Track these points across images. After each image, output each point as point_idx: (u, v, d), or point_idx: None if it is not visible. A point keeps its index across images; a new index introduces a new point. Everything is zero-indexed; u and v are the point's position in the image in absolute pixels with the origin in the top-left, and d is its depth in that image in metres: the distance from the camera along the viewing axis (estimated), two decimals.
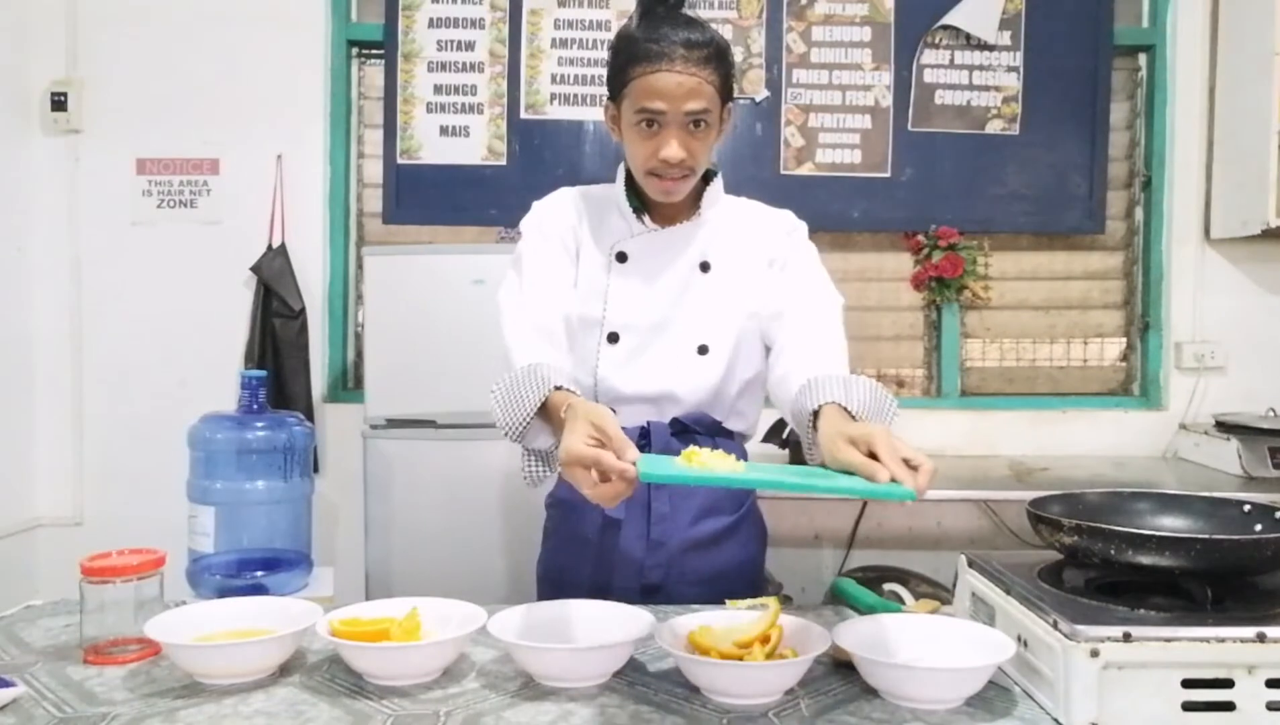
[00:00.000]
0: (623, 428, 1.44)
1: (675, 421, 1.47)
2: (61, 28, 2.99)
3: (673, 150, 1.37)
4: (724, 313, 1.48)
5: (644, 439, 1.45)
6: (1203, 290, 3.12)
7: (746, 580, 1.52)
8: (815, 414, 1.24)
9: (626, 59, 1.39)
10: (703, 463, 1.10)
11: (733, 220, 1.53)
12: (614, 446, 1.09)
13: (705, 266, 1.49)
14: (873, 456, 1.09)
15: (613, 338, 1.47)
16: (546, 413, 1.25)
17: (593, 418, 1.12)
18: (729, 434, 1.53)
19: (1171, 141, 3.13)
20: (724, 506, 1.50)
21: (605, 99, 1.47)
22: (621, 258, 1.48)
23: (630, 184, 1.49)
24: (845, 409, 1.22)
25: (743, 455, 1.56)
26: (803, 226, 1.54)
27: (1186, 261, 3.12)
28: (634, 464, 1.07)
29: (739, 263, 1.50)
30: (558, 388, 1.25)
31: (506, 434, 1.29)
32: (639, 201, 1.49)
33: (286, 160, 3.02)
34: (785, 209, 1.58)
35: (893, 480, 1.06)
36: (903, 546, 3.04)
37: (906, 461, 1.08)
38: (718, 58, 1.38)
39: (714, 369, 1.48)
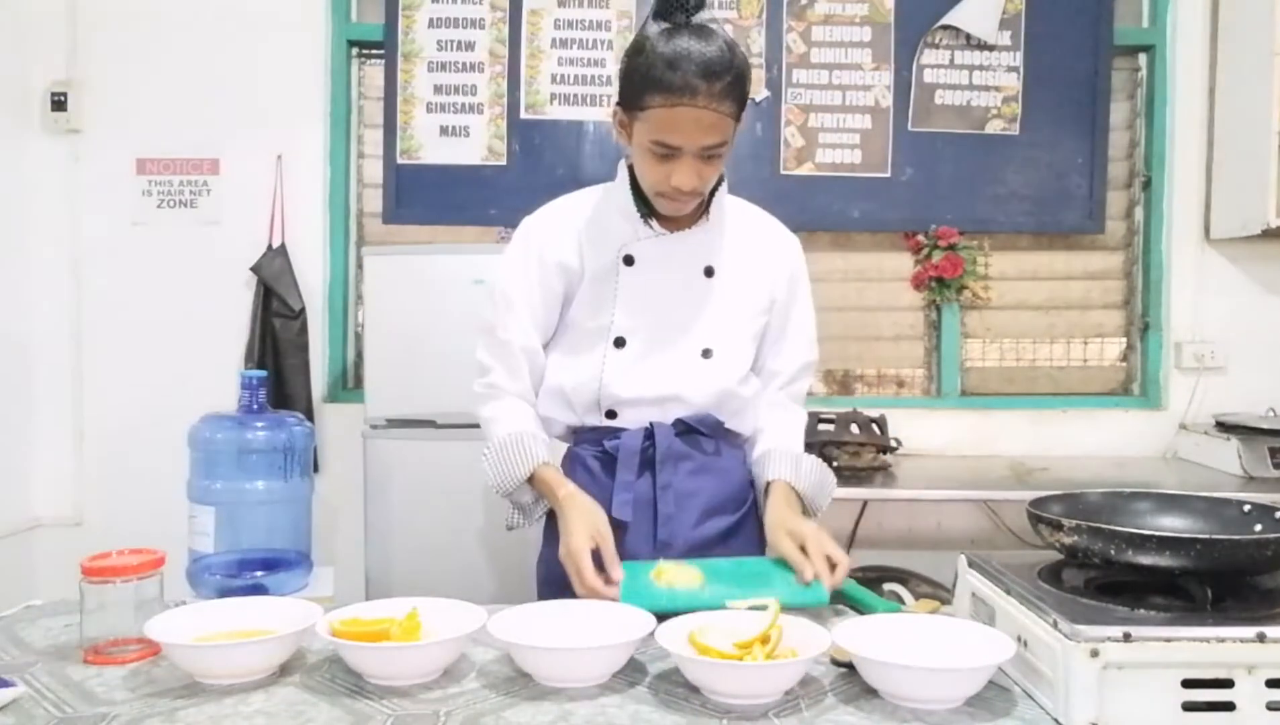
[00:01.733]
0: (626, 429, 1.46)
1: (679, 422, 1.48)
2: (61, 28, 2.99)
3: (686, 179, 1.37)
4: (727, 317, 1.50)
5: (649, 441, 1.47)
6: (1203, 290, 3.12)
7: None
8: (768, 484, 1.49)
9: (644, 82, 1.34)
10: (670, 580, 1.30)
11: (736, 228, 1.53)
12: (605, 557, 1.32)
13: (710, 271, 1.49)
14: (804, 549, 1.34)
15: (619, 342, 1.47)
16: (532, 480, 1.46)
17: (593, 522, 1.35)
18: (729, 435, 1.55)
19: (1171, 141, 3.13)
20: (726, 506, 1.51)
21: (614, 102, 1.43)
22: (629, 261, 1.47)
23: (635, 186, 1.48)
24: (793, 487, 1.48)
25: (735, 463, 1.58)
26: (802, 258, 1.60)
27: (1186, 261, 3.12)
28: (618, 584, 1.29)
29: (742, 272, 1.52)
30: (545, 463, 1.45)
31: (496, 491, 1.49)
32: (646, 206, 1.48)
33: (286, 160, 3.02)
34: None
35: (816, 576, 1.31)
36: (903, 546, 3.04)
37: (828, 558, 1.32)
38: (737, 85, 1.34)
39: (718, 372, 1.49)
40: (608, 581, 1.29)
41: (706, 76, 1.31)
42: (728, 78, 1.32)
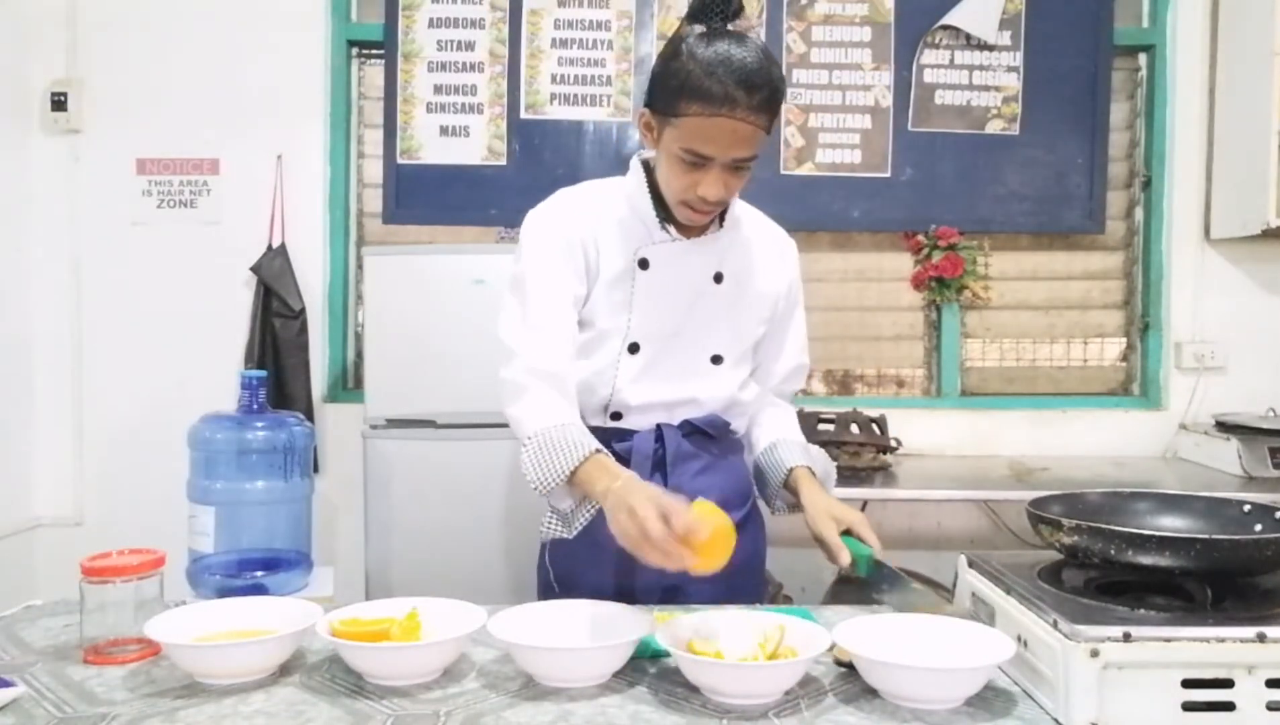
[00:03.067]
0: (631, 431, 1.46)
1: (686, 423, 1.48)
2: (61, 28, 2.99)
3: (713, 190, 1.34)
4: (733, 322, 1.50)
5: (659, 443, 1.46)
6: (1203, 290, 3.12)
7: (755, 573, 1.56)
8: (789, 472, 1.51)
9: (682, 88, 1.30)
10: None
11: (740, 232, 1.53)
12: (679, 526, 1.13)
13: (719, 278, 1.49)
14: (845, 533, 1.41)
15: (634, 348, 1.45)
16: (574, 477, 1.29)
17: (657, 496, 1.18)
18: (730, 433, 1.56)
19: (1171, 141, 3.13)
20: (733, 501, 1.51)
21: (643, 105, 1.40)
22: (644, 265, 1.45)
23: (653, 190, 1.46)
24: (811, 472, 1.51)
25: (739, 462, 1.59)
26: (798, 262, 1.62)
27: (1186, 261, 3.12)
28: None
29: (747, 278, 1.51)
30: (599, 451, 1.30)
31: (536, 489, 1.33)
32: (663, 211, 1.45)
33: (286, 160, 3.02)
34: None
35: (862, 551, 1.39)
36: (903, 546, 3.04)
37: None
38: (773, 97, 1.31)
39: (727, 377, 1.50)
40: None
41: (747, 88, 1.27)
42: (766, 90, 1.29)
